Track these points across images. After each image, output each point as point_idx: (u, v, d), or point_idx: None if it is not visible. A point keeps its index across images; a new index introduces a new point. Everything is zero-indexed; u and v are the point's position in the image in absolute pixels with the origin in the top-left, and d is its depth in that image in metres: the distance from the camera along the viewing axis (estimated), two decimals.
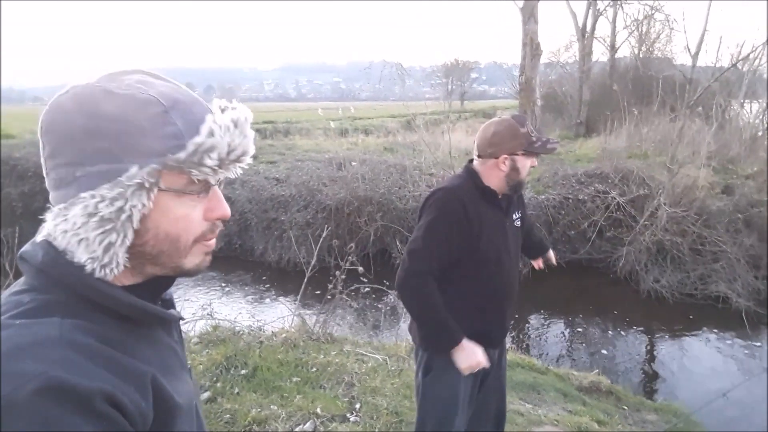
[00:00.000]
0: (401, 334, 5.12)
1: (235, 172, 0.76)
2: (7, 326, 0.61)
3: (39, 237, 0.72)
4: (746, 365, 5.98)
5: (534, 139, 2.06)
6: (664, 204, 8.57)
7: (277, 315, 5.29)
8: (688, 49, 16.65)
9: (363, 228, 9.45)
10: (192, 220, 0.73)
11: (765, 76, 16.11)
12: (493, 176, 2.10)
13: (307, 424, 3.15)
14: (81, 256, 0.67)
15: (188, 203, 0.72)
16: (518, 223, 2.25)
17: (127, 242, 0.69)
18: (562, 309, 7.59)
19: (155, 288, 0.78)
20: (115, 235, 0.67)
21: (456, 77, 49.70)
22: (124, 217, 0.67)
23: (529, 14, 12.24)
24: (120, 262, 0.69)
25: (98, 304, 0.68)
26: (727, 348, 6.46)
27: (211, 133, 0.69)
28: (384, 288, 5.21)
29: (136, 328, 0.73)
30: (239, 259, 10.11)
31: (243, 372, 3.70)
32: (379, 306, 5.61)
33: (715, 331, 6.84)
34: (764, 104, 13.85)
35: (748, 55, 14.67)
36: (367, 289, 5.00)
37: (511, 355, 4.81)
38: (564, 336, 6.98)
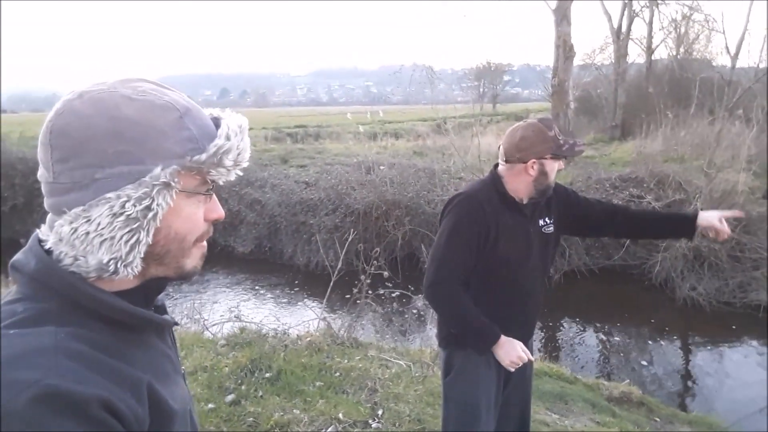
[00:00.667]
0: (426, 340, 5.08)
1: (236, 175, 0.79)
2: (1, 336, 0.61)
3: (48, 244, 0.71)
4: None
5: (562, 142, 2.03)
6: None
7: (303, 318, 5.31)
8: (728, 50, 16.17)
9: (391, 232, 9.44)
10: (197, 219, 0.77)
11: None
12: (520, 181, 2.06)
13: (329, 429, 3.15)
14: (102, 257, 0.68)
15: (196, 203, 0.76)
16: (549, 230, 2.18)
17: (149, 241, 0.70)
18: (594, 316, 7.43)
19: (148, 294, 0.79)
20: (142, 234, 0.69)
21: (488, 80, 49.23)
22: (150, 215, 0.69)
23: (562, 15, 12.08)
24: (139, 262, 0.71)
25: (92, 311, 0.69)
26: (766, 358, 6.21)
27: (228, 137, 0.74)
28: (410, 293, 5.18)
29: (130, 334, 0.73)
30: (268, 261, 10.22)
31: (267, 375, 3.71)
32: (405, 311, 5.57)
33: (754, 341, 6.60)
34: None
35: None
36: (394, 293, 4.98)
37: (539, 364, 4.72)
38: (595, 344, 6.83)
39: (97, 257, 0.68)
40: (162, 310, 0.86)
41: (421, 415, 3.31)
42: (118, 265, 0.69)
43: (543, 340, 6.65)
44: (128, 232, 0.68)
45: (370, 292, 4.73)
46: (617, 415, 3.95)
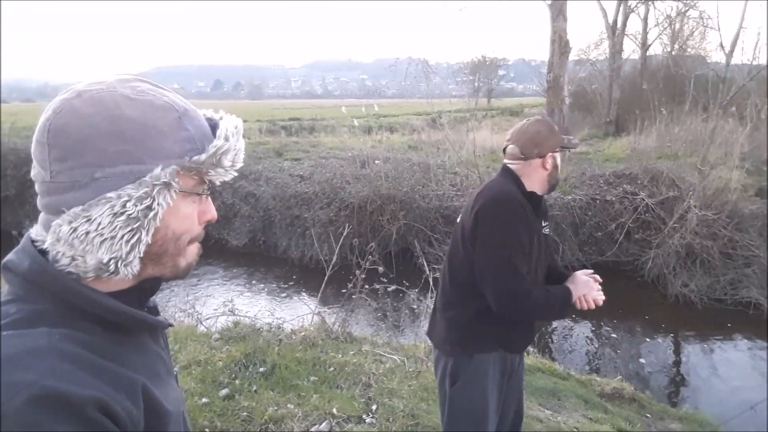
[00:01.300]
0: (420, 335, 5.08)
1: (232, 175, 0.80)
2: None
3: (45, 245, 0.70)
4: None
5: (563, 136, 2.09)
6: (695, 206, 8.36)
7: (298, 312, 5.31)
8: (723, 47, 16.20)
9: (385, 226, 9.44)
10: (194, 219, 0.78)
11: None
12: (537, 177, 2.07)
13: (323, 424, 3.15)
14: (102, 256, 0.68)
15: (191, 204, 0.77)
16: (547, 231, 2.21)
17: (149, 240, 0.71)
18: (586, 312, 7.35)
19: (142, 295, 0.79)
20: (142, 233, 0.70)
21: (483, 74, 49.17)
22: (151, 215, 0.69)
23: (558, 11, 12.06)
24: (138, 262, 0.71)
25: (86, 312, 0.69)
26: (758, 355, 6.27)
27: (227, 138, 0.76)
28: (404, 288, 5.19)
29: (124, 335, 0.74)
30: (262, 255, 10.20)
31: (261, 369, 3.71)
32: (400, 306, 5.58)
33: (745, 337, 6.65)
34: None
35: None
36: (392, 288, 4.98)
37: (532, 360, 4.74)
38: (587, 340, 6.87)
39: (97, 257, 0.68)
40: (155, 311, 0.86)
41: (415, 410, 3.32)
42: (119, 265, 0.69)
43: (536, 336, 6.68)
44: (129, 231, 0.69)
45: (366, 286, 4.73)
46: (609, 411, 3.98)
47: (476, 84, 47.54)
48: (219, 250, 10.16)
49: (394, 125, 20.44)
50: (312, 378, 3.67)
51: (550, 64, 12.40)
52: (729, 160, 9.57)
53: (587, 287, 2.06)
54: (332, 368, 3.83)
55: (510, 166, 2.10)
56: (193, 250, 0.80)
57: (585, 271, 2.15)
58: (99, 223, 0.67)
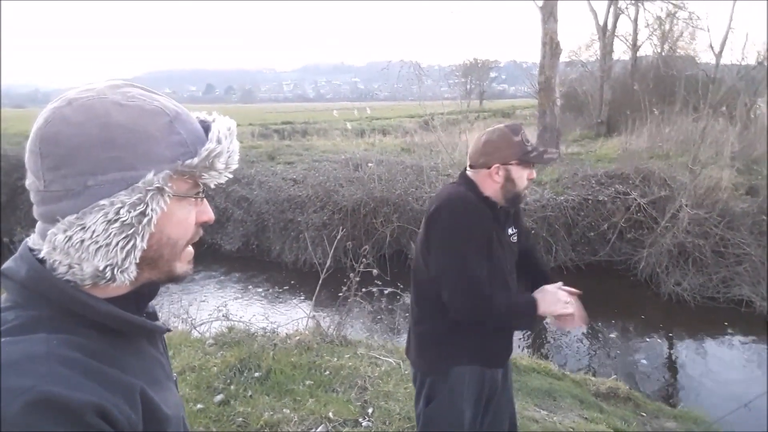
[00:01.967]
0: None
1: (226, 177, 0.80)
2: None
3: (42, 254, 0.70)
4: None
5: (529, 148, 1.96)
6: (686, 205, 8.41)
7: (292, 316, 5.29)
8: (712, 48, 16.35)
9: (379, 229, 9.44)
10: (189, 223, 0.77)
11: None
12: (489, 187, 1.99)
13: (319, 428, 3.14)
14: (98, 263, 0.68)
15: (187, 207, 0.76)
16: (514, 239, 2.13)
17: (144, 246, 0.71)
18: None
19: (140, 300, 0.79)
20: (137, 240, 0.69)
21: (475, 76, 49.25)
22: (145, 221, 0.69)
23: (549, 13, 12.14)
24: (134, 268, 0.71)
25: (84, 317, 0.69)
26: (750, 353, 6.31)
27: (219, 141, 0.75)
28: (399, 291, 5.18)
29: (123, 341, 0.74)
30: (256, 259, 10.17)
31: (256, 374, 3.70)
32: (394, 308, 5.58)
33: (737, 335, 6.70)
34: None
35: None
36: (387, 290, 4.98)
37: (527, 360, 4.75)
38: (581, 340, 6.89)
39: (93, 264, 0.68)
40: (153, 316, 0.86)
41: (412, 413, 3.31)
42: (115, 272, 0.69)
43: (530, 336, 6.69)
44: (124, 238, 0.69)
45: (363, 290, 4.73)
46: (605, 410, 3.99)
47: (468, 86, 47.65)
48: (212, 255, 10.12)
49: (386, 128, 20.43)
50: (307, 382, 3.66)
51: (541, 65, 12.47)
52: (720, 159, 9.64)
53: (554, 300, 1.92)
54: (328, 372, 3.83)
55: (467, 172, 2.07)
56: (188, 256, 0.80)
57: (556, 284, 2.00)
58: (93, 231, 0.67)
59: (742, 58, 15.89)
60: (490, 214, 1.97)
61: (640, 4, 18.36)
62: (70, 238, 0.68)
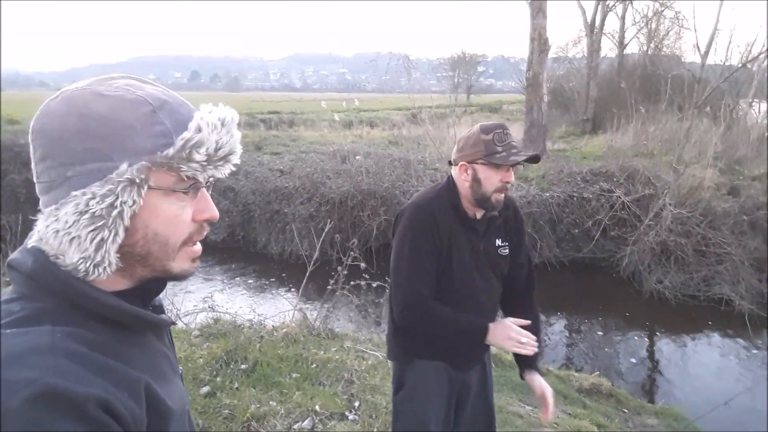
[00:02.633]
0: None
1: (223, 171, 0.77)
2: None
3: (29, 244, 0.71)
4: (748, 368, 5.96)
5: (499, 149, 1.86)
6: (669, 204, 8.52)
7: (279, 308, 5.28)
8: (698, 48, 16.50)
9: (366, 222, 9.44)
10: (181, 220, 0.74)
11: None
12: (461, 185, 1.95)
13: (306, 421, 3.15)
14: (73, 255, 0.67)
15: (177, 203, 0.73)
16: (505, 251, 2.05)
17: (119, 240, 0.69)
18: (564, 308, 7.57)
19: (145, 293, 0.78)
20: (107, 232, 0.68)
21: (462, 70, 49.34)
22: (115, 213, 0.67)
23: (538, 9, 12.16)
24: (112, 262, 0.69)
25: (89, 310, 0.69)
26: (730, 351, 6.44)
27: (199, 129, 0.71)
28: (385, 284, 5.19)
29: (128, 334, 0.73)
30: (242, 250, 10.12)
31: (243, 367, 3.69)
32: (381, 302, 5.59)
33: (717, 333, 6.82)
34: None
35: (759, 55, 14.53)
36: (375, 284, 4.99)
37: (511, 356, 4.79)
38: (565, 336, 6.97)
39: (70, 256, 0.68)
40: (159, 310, 0.85)
41: None
42: (88, 265, 0.68)
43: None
44: (93, 230, 0.67)
45: (352, 282, 4.73)
46: (588, 406, 4.05)
47: (456, 80, 47.70)
48: None
49: (374, 120, 20.39)
50: (294, 375, 3.66)
51: (529, 61, 12.51)
52: (703, 159, 9.76)
53: (505, 337, 1.85)
54: (314, 365, 3.83)
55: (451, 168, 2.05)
56: (188, 255, 0.77)
57: (517, 320, 1.92)
58: (65, 222, 0.67)
59: (726, 59, 16.10)
60: (456, 222, 1.93)
61: (627, 2, 18.49)
62: (48, 227, 0.68)
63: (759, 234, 8.42)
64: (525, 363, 2.11)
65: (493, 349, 2.31)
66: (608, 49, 20.42)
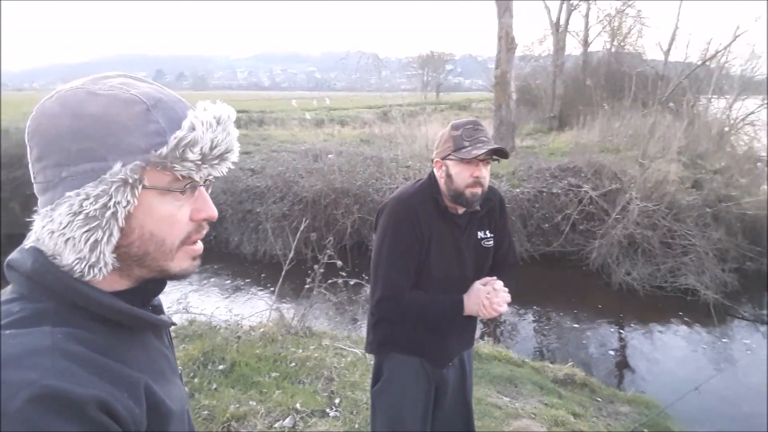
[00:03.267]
0: None
1: (221, 170, 0.76)
2: None
3: (27, 244, 0.71)
4: (713, 355, 6.17)
5: (466, 144, 1.87)
6: (636, 198, 8.74)
7: (255, 308, 5.26)
8: (660, 46, 16.95)
9: (340, 220, 9.43)
10: (177, 220, 0.73)
11: (732, 72, 16.47)
12: (439, 181, 1.98)
13: (287, 420, 3.15)
14: (69, 256, 0.67)
15: (173, 203, 0.73)
16: (489, 243, 2.07)
17: (113, 241, 0.69)
18: (536, 301, 7.69)
19: (145, 294, 0.78)
20: (101, 233, 0.67)
21: (431, 69, 49.65)
22: (108, 214, 0.67)
23: (505, 8, 12.31)
24: (108, 262, 0.69)
25: (89, 311, 0.68)
26: (695, 339, 6.64)
27: (193, 128, 0.70)
28: (362, 282, 5.20)
29: (127, 334, 0.73)
30: (213, 251, 9.97)
31: (221, 367, 3.67)
32: (357, 299, 5.60)
33: (683, 322, 7.03)
34: (731, 100, 14.17)
35: (716, 53, 15.00)
36: (352, 282, 5.00)
37: (489, 348, 4.87)
38: (538, 328, 7.09)
39: (66, 257, 0.68)
40: (158, 310, 0.85)
41: None
42: (84, 266, 0.68)
43: (489, 326, 6.84)
44: (87, 231, 0.67)
45: (329, 280, 4.73)
46: (563, 396, 4.14)
47: (425, 78, 47.92)
48: None
49: (344, 119, 20.34)
50: (273, 374, 3.66)
51: (497, 60, 12.64)
52: (667, 153, 10.01)
53: (478, 300, 1.91)
54: (293, 363, 3.83)
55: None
56: (188, 254, 0.76)
57: (485, 278, 1.98)
58: (60, 223, 0.67)
59: (686, 56, 16.58)
60: (437, 216, 1.96)
61: (591, 1, 18.85)
62: (44, 228, 0.68)
63: (722, 225, 8.71)
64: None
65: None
66: (573, 47, 20.76)
